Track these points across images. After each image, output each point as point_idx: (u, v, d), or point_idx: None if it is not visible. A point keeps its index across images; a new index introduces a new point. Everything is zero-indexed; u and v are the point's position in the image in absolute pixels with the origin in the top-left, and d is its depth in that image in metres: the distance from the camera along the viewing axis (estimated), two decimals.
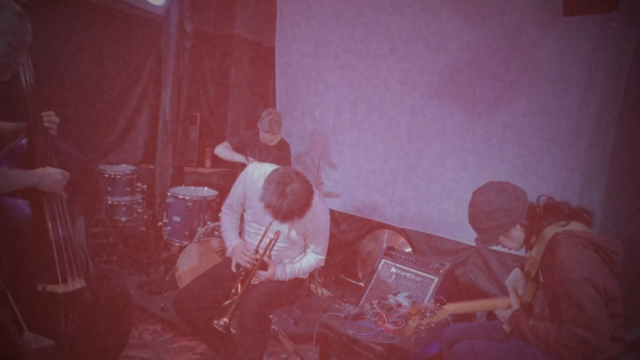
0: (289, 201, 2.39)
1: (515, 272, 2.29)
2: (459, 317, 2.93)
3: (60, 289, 2.04)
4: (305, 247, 2.84)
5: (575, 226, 2.00)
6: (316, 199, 2.62)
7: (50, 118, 2.16)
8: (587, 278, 1.85)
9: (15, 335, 1.78)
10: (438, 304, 2.16)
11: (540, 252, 2.04)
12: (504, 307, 2.20)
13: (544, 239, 2.03)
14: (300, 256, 2.83)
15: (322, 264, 2.87)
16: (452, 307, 2.21)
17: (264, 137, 4.10)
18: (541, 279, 2.08)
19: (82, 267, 2.16)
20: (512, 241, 2.12)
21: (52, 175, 2.05)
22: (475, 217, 2.11)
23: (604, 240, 1.94)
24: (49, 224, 2.05)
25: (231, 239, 2.82)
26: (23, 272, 2.00)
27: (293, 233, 2.73)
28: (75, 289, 2.08)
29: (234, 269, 2.67)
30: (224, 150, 4.12)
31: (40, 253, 2.04)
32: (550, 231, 2.02)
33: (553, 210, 2.07)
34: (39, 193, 2.03)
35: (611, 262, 1.94)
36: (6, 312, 1.80)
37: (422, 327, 2.14)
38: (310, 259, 2.80)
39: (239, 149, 4.19)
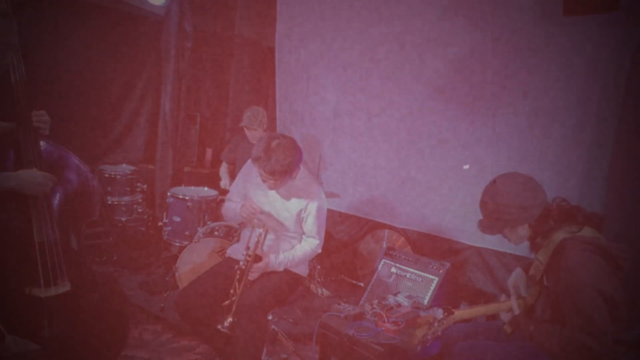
0: (276, 155, 2.51)
1: (517, 272, 2.28)
2: None
3: (42, 292, 2.00)
4: (301, 235, 2.86)
5: (585, 232, 1.97)
6: (311, 181, 2.78)
7: (40, 118, 2.09)
8: (594, 285, 1.83)
9: None
10: (446, 314, 2.13)
11: (547, 256, 2.02)
12: (506, 310, 2.19)
13: (551, 243, 2.00)
14: (295, 244, 2.86)
15: (319, 250, 2.88)
16: (460, 314, 2.18)
17: (249, 134, 4.17)
18: (545, 283, 2.07)
19: (73, 271, 2.12)
20: (515, 236, 2.10)
21: (33, 178, 1.98)
22: (487, 203, 2.06)
23: (613, 246, 1.92)
24: (35, 227, 2.01)
25: (237, 204, 2.86)
26: (6, 275, 1.96)
27: (290, 208, 2.76)
28: (59, 293, 2.04)
29: (242, 215, 2.73)
30: (221, 170, 4.50)
31: (25, 256, 2.00)
32: (558, 235, 1.99)
33: (567, 215, 2.03)
34: (24, 196, 1.99)
35: (618, 268, 1.92)
36: None
37: (429, 337, 2.12)
38: (305, 246, 2.82)
39: (230, 158, 4.40)
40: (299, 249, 2.81)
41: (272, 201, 2.79)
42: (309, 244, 2.82)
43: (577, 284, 1.85)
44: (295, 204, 2.76)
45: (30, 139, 2.05)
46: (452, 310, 2.15)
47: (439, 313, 2.13)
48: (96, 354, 2.28)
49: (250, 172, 2.84)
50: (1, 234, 1.99)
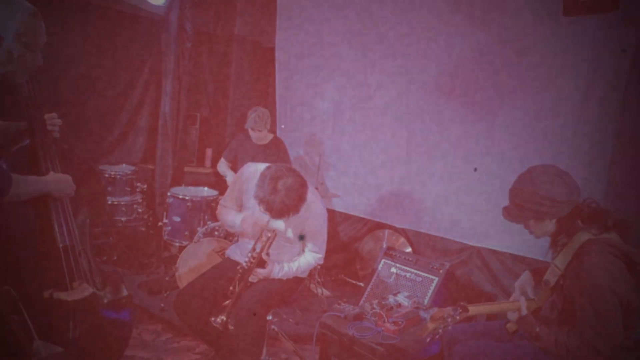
0: (282, 196, 2.39)
1: (525, 275, 2.27)
2: None
3: (68, 296, 2.02)
4: (304, 246, 2.84)
5: (609, 235, 1.96)
6: (312, 197, 2.62)
7: (53, 121, 2.13)
8: (612, 288, 1.82)
9: (26, 343, 1.77)
10: (460, 311, 2.10)
11: (567, 260, 1.99)
12: (515, 309, 2.18)
13: (573, 244, 1.98)
14: (299, 255, 2.83)
15: (321, 262, 2.87)
16: (474, 310, 2.14)
17: (253, 135, 4.17)
18: (561, 282, 2.04)
19: (87, 272, 2.15)
20: (539, 230, 2.06)
21: (65, 182, 2.03)
22: (519, 191, 2.03)
23: (635, 253, 1.90)
24: (56, 231, 2.03)
25: (235, 215, 2.79)
26: (31, 280, 1.98)
27: (290, 232, 2.73)
28: (84, 296, 2.06)
29: (246, 230, 2.64)
30: (220, 167, 4.41)
31: (48, 260, 2.02)
32: (582, 236, 1.97)
33: (596, 217, 1.99)
34: (46, 199, 2.01)
35: (637, 275, 1.90)
36: (17, 320, 1.78)
37: (440, 330, 2.11)
38: (309, 258, 2.80)
39: (232, 158, 4.37)
40: (302, 261, 2.79)
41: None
42: (312, 257, 2.81)
43: (596, 284, 1.83)
44: (296, 224, 2.71)
45: (48, 142, 2.07)
46: (467, 307, 2.13)
47: (455, 309, 2.11)
48: (107, 352, 2.30)
49: (248, 184, 2.74)
50: (24, 238, 2.00)
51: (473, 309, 2.15)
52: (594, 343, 1.81)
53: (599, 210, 2.02)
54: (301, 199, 2.48)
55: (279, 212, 2.44)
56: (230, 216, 2.82)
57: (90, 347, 2.14)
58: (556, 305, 2.05)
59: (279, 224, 2.66)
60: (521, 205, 2.02)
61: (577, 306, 1.91)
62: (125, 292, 2.41)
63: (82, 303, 2.06)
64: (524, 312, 2.11)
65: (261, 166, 2.70)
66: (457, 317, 2.10)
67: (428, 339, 2.18)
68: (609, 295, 1.82)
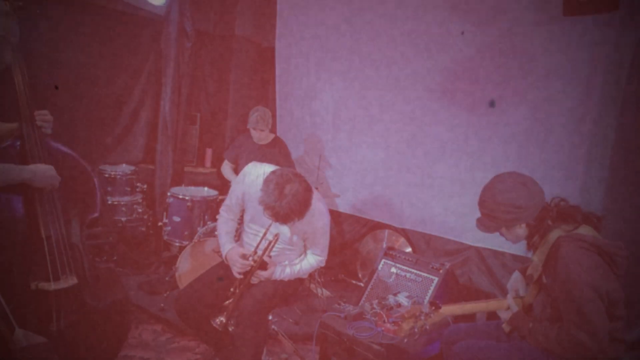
0: (288, 202, 2.37)
1: (515, 275, 2.30)
2: (459, 317, 2.93)
3: (51, 286, 2.04)
4: (305, 248, 2.83)
5: (581, 230, 1.98)
6: (315, 200, 2.61)
7: (43, 117, 2.16)
8: (590, 283, 1.84)
9: (6, 332, 1.78)
10: (433, 308, 2.13)
11: (543, 255, 2.02)
12: (502, 308, 2.19)
13: (547, 242, 2.01)
14: (300, 257, 2.82)
15: (323, 264, 2.87)
16: (448, 309, 2.18)
17: (255, 135, 4.17)
18: (544, 280, 2.07)
19: (77, 266, 2.17)
20: (512, 235, 2.10)
21: (45, 171, 2.06)
22: (485, 202, 2.07)
23: (608, 243, 1.92)
24: (41, 221, 2.06)
25: (223, 243, 2.79)
26: (15, 270, 2.01)
27: (293, 236, 2.73)
28: (67, 286, 2.08)
29: (236, 275, 2.66)
30: (223, 170, 4.45)
31: (32, 250, 2.04)
32: (555, 234, 1.99)
33: (565, 215, 2.03)
34: (31, 190, 2.04)
35: (615, 265, 1.92)
36: None
37: (416, 330, 2.12)
38: (311, 260, 2.79)
39: (233, 158, 4.38)
40: (304, 263, 2.78)
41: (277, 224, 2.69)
42: (314, 259, 2.80)
43: (573, 281, 1.86)
44: (299, 228, 2.70)
45: (35, 137, 2.11)
46: (440, 305, 2.15)
47: (426, 307, 2.13)
48: (100, 347, 2.31)
49: (253, 189, 2.70)
50: (8, 229, 2.02)
51: (447, 308, 2.15)
52: (580, 339, 1.83)
53: (567, 207, 2.05)
54: (307, 204, 2.47)
55: (284, 217, 2.43)
56: (222, 237, 2.83)
57: (81, 342, 2.15)
58: (546, 304, 2.07)
59: (283, 228, 2.66)
60: (489, 216, 2.06)
61: (559, 303, 1.94)
62: (120, 291, 2.42)
63: (66, 293, 2.08)
64: (514, 308, 2.12)
65: (265, 168, 2.70)
66: (431, 315, 2.11)
67: (406, 340, 2.18)
68: (586, 290, 1.83)
